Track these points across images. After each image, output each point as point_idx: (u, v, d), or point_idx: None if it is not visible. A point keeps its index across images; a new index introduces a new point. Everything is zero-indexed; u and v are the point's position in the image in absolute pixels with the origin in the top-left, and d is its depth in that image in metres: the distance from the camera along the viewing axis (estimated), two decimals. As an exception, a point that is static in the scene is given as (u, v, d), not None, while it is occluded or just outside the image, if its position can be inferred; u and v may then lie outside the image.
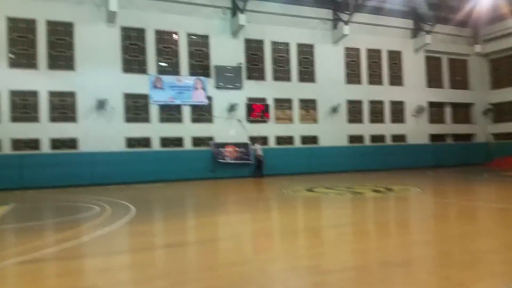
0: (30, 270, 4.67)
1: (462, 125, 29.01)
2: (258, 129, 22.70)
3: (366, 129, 25.64)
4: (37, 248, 5.61)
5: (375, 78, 26.19)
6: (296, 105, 23.91)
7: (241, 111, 22.36)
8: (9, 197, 13.63)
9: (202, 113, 21.86)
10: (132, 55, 20.75)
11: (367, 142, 25.58)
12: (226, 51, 22.26)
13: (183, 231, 7.29)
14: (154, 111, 20.88)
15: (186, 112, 21.53)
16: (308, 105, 24.30)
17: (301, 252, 5.35)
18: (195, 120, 21.70)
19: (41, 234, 7.00)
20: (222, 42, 22.26)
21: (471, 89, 29.32)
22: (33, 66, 18.99)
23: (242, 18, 21.69)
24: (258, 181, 19.30)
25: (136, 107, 20.69)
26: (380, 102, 26.20)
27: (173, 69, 21.51)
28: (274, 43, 23.65)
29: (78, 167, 18.84)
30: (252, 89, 22.76)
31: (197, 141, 21.60)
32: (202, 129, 21.66)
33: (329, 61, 24.72)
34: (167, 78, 21.08)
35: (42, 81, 18.97)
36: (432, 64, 28.23)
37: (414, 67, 27.27)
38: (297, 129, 23.79)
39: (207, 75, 21.94)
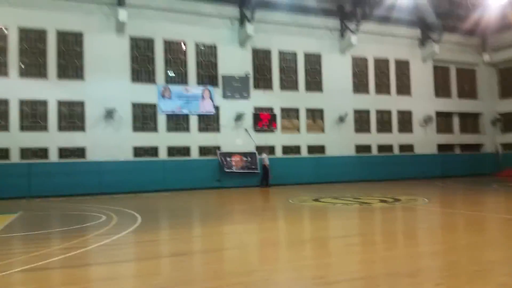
0: (36, 278, 4.68)
1: (471, 135, 28.80)
2: (265, 139, 22.70)
3: (374, 138, 25.53)
4: (44, 256, 5.63)
5: (382, 88, 26.15)
6: (303, 114, 23.91)
7: (248, 121, 22.40)
8: (17, 206, 13.72)
9: (209, 122, 21.93)
10: (141, 65, 20.94)
11: (375, 152, 25.46)
12: (234, 61, 22.39)
13: (189, 240, 7.28)
14: (161, 121, 20.99)
15: (194, 122, 21.61)
16: (315, 115, 24.29)
17: (307, 262, 5.31)
18: (202, 129, 21.77)
19: (48, 243, 7.03)
20: (230, 52, 22.40)
21: (480, 99, 29.14)
22: (42, 75, 19.22)
23: (249, 28, 21.83)
24: (265, 190, 19.25)
25: (144, 117, 20.82)
26: (388, 112, 26.12)
27: (181, 79, 21.65)
28: (282, 53, 23.74)
29: (86, 176, 18.93)
30: (259, 98, 22.82)
31: (204, 151, 21.64)
32: (209, 139, 21.71)
33: (336, 71, 24.73)
34: (175, 88, 21.22)
35: (51, 90, 19.18)
36: (440, 74, 28.14)
37: (421, 76, 27.19)
38: (304, 139, 23.76)
39: (214, 84, 22.06)
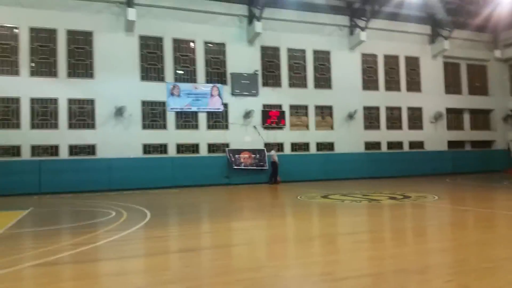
0: (47, 273, 4.74)
1: (481, 132, 28.49)
2: (274, 136, 22.70)
3: (383, 135, 25.39)
4: (54, 252, 5.70)
5: (392, 84, 25.97)
6: (312, 111, 23.85)
7: (257, 118, 22.41)
8: (28, 202, 13.89)
9: (218, 120, 21.98)
10: (150, 63, 21.04)
11: (384, 148, 25.32)
12: (242, 59, 22.39)
13: (198, 236, 7.31)
14: (171, 118, 21.08)
15: (202, 119, 21.67)
16: (324, 112, 24.22)
17: (315, 258, 5.31)
18: (211, 126, 21.83)
19: (58, 238, 7.11)
20: (239, 49, 22.40)
21: (491, 95, 28.79)
22: (53, 74, 19.40)
23: (258, 25, 21.80)
24: (274, 187, 19.26)
25: (153, 114, 20.93)
26: (398, 109, 25.95)
27: (190, 77, 21.71)
28: (290, 50, 23.68)
29: (96, 173, 19.09)
30: (268, 95, 22.80)
31: (213, 148, 21.70)
32: (218, 136, 21.77)
33: (346, 68, 24.62)
34: (184, 86, 21.29)
35: (62, 88, 19.35)
36: (451, 70, 27.86)
37: (432, 73, 26.95)
38: (313, 136, 23.70)
39: (223, 82, 22.09)
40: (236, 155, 21.56)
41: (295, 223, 8.75)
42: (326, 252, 5.74)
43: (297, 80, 23.77)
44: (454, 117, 27.78)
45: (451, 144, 27.21)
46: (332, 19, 24.37)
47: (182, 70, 21.69)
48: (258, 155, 21.87)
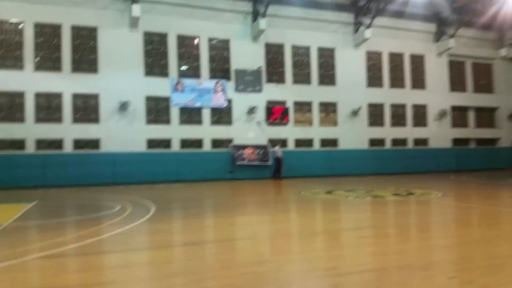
0: (52, 264, 4.77)
1: (486, 130, 28.39)
2: (278, 132, 22.70)
3: (388, 132, 25.35)
4: (60, 244, 5.73)
5: (397, 82, 25.90)
6: (316, 108, 23.82)
7: (261, 114, 22.41)
8: (33, 195, 13.96)
9: (222, 115, 22.00)
10: (154, 59, 21.06)
11: (388, 145, 25.29)
12: (247, 55, 22.37)
13: (202, 230, 7.34)
14: (174, 114, 21.12)
15: (206, 115, 21.69)
16: (328, 108, 24.18)
17: (319, 253, 5.31)
18: (215, 122, 21.85)
19: (64, 231, 7.16)
20: (243, 46, 22.38)
21: (496, 93, 28.67)
22: (57, 69, 19.47)
23: (262, 22, 21.77)
24: (277, 182, 19.27)
25: (157, 110, 20.97)
26: (402, 106, 25.89)
27: (194, 73, 21.72)
28: (295, 47, 23.64)
29: (100, 167, 19.19)
30: (272, 92, 22.80)
31: (217, 143, 21.73)
32: (221, 131, 21.79)
33: (350, 65, 24.56)
34: (187, 81, 21.30)
35: (66, 83, 19.43)
36: (456, 68, 27.74)
37: (437, 71, 26.85)
38: (317, 132, 23.69)
39: (227, 78, 22.09)
40: (240, 151, 21.59)
41: (299, 218, 8.76)
42: (330, 247, 5.75)
43: (301, 77, 23.74)
44: (458, 114, 27.69)
45: (455, 141, 27.13)
46: (337, 16, 24.31)
47: (186, 66, 21.70)
48: (261, 151, 21.89)
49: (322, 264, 4.74)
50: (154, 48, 21.15)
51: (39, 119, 19.10)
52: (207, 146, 21.56)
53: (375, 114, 25.20)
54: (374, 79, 25.31)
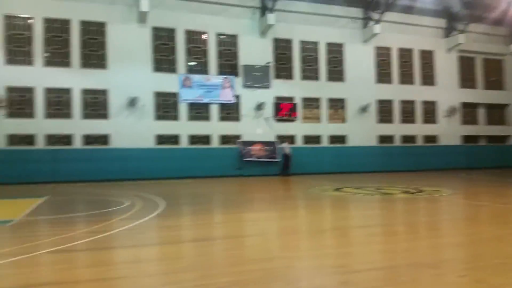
0: (63, 259, 4.82)
1: (497, 127, 28.08)
2: (286, 128, 22.66)
3: (397, 129, 25.20)
4: (70, 239, 5.79)
5: (406, 78, 25.71)
6: (324, 104, 23.74)
7: (269, 110, 22.38)
8: (43, 190, 14.09)
9: (230, 111, 22.00)
10: (163, 55, 21.10)
11: (398, 142, 25.14)
12: (255, 51, 22.33)
13: (211, 226, 7.36)
14: (183, 109, 21.17)
15: (214, 111, 21.71)
16: (337, 105, 24.08)
17: (328, 251, 5.31)
18: (223, 118, 21.86)
19: (74, 226, 7.22)
20: (251, 41, 22.34)
21: (507, 90, 28.33)
22: (67, 64, 19.59)
23: (271, 17, 21.70)
24: (285, 179, 19.26)
25: (165, 105, 21.03)
26: (412, 102, 25.70)
27: (202, 68, 21.74)
28: (303, 42, 23.54)
29: (109, 162, 19.32)
30: (280, 88, 22.75)
31: (225, 139, 21.76)
32: (229, 128, 21.81)
33: (359, 60, 24.42)
34: (196, 77, 21.33)
35: (75, 79, 19.54)
36: (465, 64, 27.45)
37: (446, 67, 26.60)
38: (325, 128, 23.62)
39: (235, 74, 22.07)
40: (248, 147, 21.59)
41: (307, 215, 8.75)
42: (339, 245, 5.74)
43: (310, 73, 23.65)
44: (468, 111, 27.41)
45: (465, 138, 26.89)
46: (346, 12, 24.15)
47: (194, 62, 21.72)
48: (269, 147, 21.88)
49: (331, 261, 4.74)
50: (163, 44, 21.19)
51: (48, 115, 19.25)
52: (215, 142, 21.60)
53: (384, 111, 25.04)
54: (383, 75, 25.14)
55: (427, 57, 26.27)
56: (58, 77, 19.34)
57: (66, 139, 19.41)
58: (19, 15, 19.17)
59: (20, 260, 4.69)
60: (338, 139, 23.85)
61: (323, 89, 23.65)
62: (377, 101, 24.74)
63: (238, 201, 11.59)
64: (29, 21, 19.26)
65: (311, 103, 23.56)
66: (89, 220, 7.89)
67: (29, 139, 18.91)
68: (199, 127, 21.39)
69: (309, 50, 23.72)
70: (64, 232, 6.33)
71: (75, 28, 19.78)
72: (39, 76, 19.06)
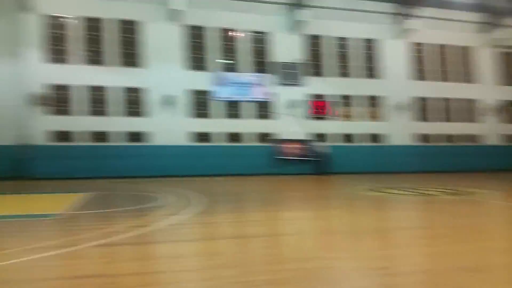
0: (106, 252, 4.95)
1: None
2: (320, 126, 22.45)
3: (434, 127, 24.47)
4: (113, 233, 5.94)
5: (443, 75, 24.91)
6: (359, 102, 23.35)
7: (303, 108, 22.23)
8: (83, 186, 14.55)
9: (263, 109, 22.01)
10: (196, 53, 21.38)
11: (437, 141, 24.40)
12: (288, 48, 22.24)
13: (248, 224, 7.37)
14: (216, 107, 21.35)
15: (247, 108, 21.78)
16: (372, 102, 23.62)
17: (368, 252, 5.19)
18: (256, 116, 21.91)
19: (116, 220, 7.40)
20: (284, 38, 22.25)
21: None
22: (104, 63, 20.17)
23: (303, 14, 21.54)
24: (321, 178, 19.07)
25: (199, 103, 21.30)
26: (450, 100, 24.86)
27: (235, 66, 21.85)
28: (337, 39, 23.24)
29: (145, 159, 19.77)
30: (314, 85, 22.56)
31: (258, 137, 21.81)
32: (263, 125, 21.83)
33: (394, 57, 23.87)
34: (229, 75, 21.47)
35: (112, 77, 20.10)
36: (506, 60, 26.27)
37: (486, 63, 25.60)
38: (360, 127, 23.24)
39: (268, 71, 22.05)
40: (282, 145, 21.52)
41: (345, 215, 8.61)
42: (379, 246, 5.60)
43: (344, 70, 23.32)
44: (511, 110, 26.24)
45: (509, 138, 25.73)
46: (380, 7, 23.62)
47: (228, 60, 21.86)
48: (304, 146, 21.72)
49: (371, 263, 4.63)
50: (196, 42, 21.46)
51: (88, 112, 19.89)
52: (248, 140, 21.67)
53: (422, 109, 24.36)
54: (420, 72, 24.45)
55: (465, 53, 25.38)
56: (96, 76, 19.97)
57: (104, 136, 20.00)
58: (59, 15, 19.89)
59: (65, 253, 4.85)
60: (373, 137, 23.40)
61: (357, 86, 23.27)
62: (414, 98, 24.08)
63: (274, 199, 11.56)
64: (68, 20, 19.98)
65: (345, 100, 23.21)
66: (130, 215, 8.08)
67: (67, 135, 19.61)
68: (232, 125, 21.52)
69: (343, 46, 23.38)
70: (107, 226, 6.51)
71: (112, 27, 20.36)
72: (79, 75, 19.72)
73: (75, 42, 20.00)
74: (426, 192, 12.21)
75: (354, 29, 23.39)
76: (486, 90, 25.46)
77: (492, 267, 4.44)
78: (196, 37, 21.58)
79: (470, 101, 25.30)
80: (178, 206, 9.00)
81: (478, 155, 24.43)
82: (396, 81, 23.78)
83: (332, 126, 22.86)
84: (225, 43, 22.05)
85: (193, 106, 21.28)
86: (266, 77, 22.00)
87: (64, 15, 19.98)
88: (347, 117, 23.33)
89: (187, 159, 20.37)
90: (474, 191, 12.36)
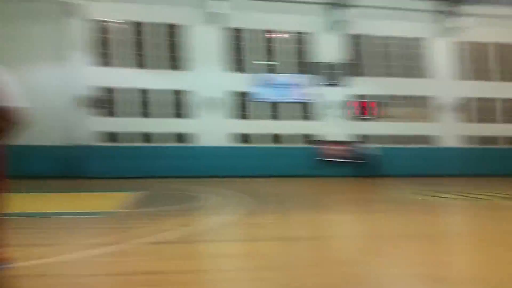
0: (154, 250, 5.07)
1: None
2: (364, 127, 21.98)
3: (486, 129, 23.32)
4: (160, 231, 6.09)
5: (494, 74, 23.69)
6: (404, 102, 22.66)
7: (346, 109, 21.85)
8: (131, 185, 14.99)
9: (304, 110, 21.84)
10: (238, 55, 21.55)
11: (490, 143, 23.24)
12: (329, 48, 21.97)
13: (292, 226, 7.32)
14: (258, 108, 21.42)
15: (289, 109, 21.68)
16: (418, 102, 22.86)
17: (416, 258, 5.01)
18: (297, 117, 21.77)
19: (164, 219, 7.55)
20: (325, 38, 22.01)
21: None
22: (149, 66, 20.77)
23: (344, 13, 21.19)
24: (366, 181, 18.65)
25: (241, 105, 21.44)
26: (500, 100, 23.62)
27: (276, 67, 21.83)
28: (380, 38, 22.72)
29: (188, 159, 20.12)
30: (357, 85, 22.11)
31: (300, 138, 21.64)
32: (304, 126, 21.66)
33: (441, 55, 22.99)
34: (270, 76, 21.46)
35: (158, 80, 20.66)
36: None
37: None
38: (406, 128, 22.53)
39: (310, 72, 21.84)
40: (324, 146, 21.25)
41: (393, 219, 8.36)
42: (431, 253, 5.38)
43: (388, 69, 22.71)
44: None
45: None
46: (426, 5, 22.81)
47: (269, 61, 21.87)
48: (347, 147, 21.34)
49: (420, 269, 4.45)
50: (237, 44, 21.62)
51: (131, 114, 20.54)
52: (289, 141, 21.57)
53: (474, 109, 23.32)
54: (466, 71, 23.40)
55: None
56: (140, 78, 20.56)
57: (147, 137, 20.59)
58: (104, 19, 20.63)
59: (113, 250, 5.02)
60: (420, 139, 22.63)
61: (402, 86, 22.58)
62: (463, 99, 23.08)
63: (318, 201, 11.43)
64: (113, 25, 20.69)
65: (389, 100, 22.60)
66: (176, 214, 8.24)
67: (115, 136, 20.34)
68: (272, 126, 21.51)
69: (387, 45, 22.79)
70: (154, 225, 6.68)
71: (156, 30, 20.90)
72: (123, 77, 20.41)
73: (121, 45, 20.73)
74: (477, 196, 11.66)
75: (397, 28, 22.73)
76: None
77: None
78: (237, 39, 21.78)
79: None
80: (222, 206, 9.10)
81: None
82: (443, 80, 22.90)
83: (376, 127, 22.33)
84: (266, 44, 22.10)
85: (234, 107, 21.48)
86: (308, 77, 21.84)
87: (110, 20, 20.74)
88: (391, 118, 22.72)
89: (229, 160, 20.55)
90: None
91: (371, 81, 22.42)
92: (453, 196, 11.68)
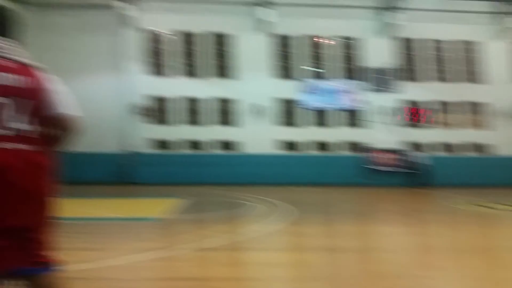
0: (200, 256, 5.14)
1: None
2: (416, 135, 21.20)
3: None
4: (206, 238, 6.16)
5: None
6: (459, 108, 21.64)
7: (396, 115, 21.17)
8: (180, 191, 15.26)
9: (354, 117, 21.42)
10: (284, 61, 21.54)
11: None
12: (379, 53, 21.41)
13: (340, 236, 7.18)
14: (304, 116, 21.26)
15: (338, 116, 21.36)
16: (475, 109, 21.76)
17: (470, 272, 4.73)
18: (345, 124, 21.37)
19: (210, 226, 7.63)
20: (375, 43, 21.47)
21: None
22: (199, 75, 21.23)
23: (395, 16, 20.64)
24: (417, 191, 17.95)
25: (287, 112, 21.38)
26: None
27: (324, 74, 21.59)
28: (432, 41, 21.89)
29: (235, 167, 20.20)
30: (408, 91, 21.38)
31: (348, 146, 21.21)
32: (353, 134, 21.22)
33: (497, 59, 21.70)
34: (317, 83, 21.25)
35: (207, 88, 21.05)
36: None
37: None
38: (461, 136, 21.47)
39: (358, 78, 21.40)
40: (373, 155, 20.70)
41: (446, 231, 7.97)
42: (482, 267, 5.08)
43: (441, 74, 21.83)
44: None
45: None
46: (480, 6, 21.55)
47: (316, 67, 21.67)
48: (398, 156, 20.65)
49: (474, 284, 4.20)
50: (283, 51, 21.62)
51: (180, 122, 21.02)
52: (338, 149, 21.19)
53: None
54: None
55: None
56: (190, 87, 21.04)
57: (197, 144, 20.97)
58: (157, 30, 21.31)
59: (161, 255, 5.13)
60: (480, 147, 21.49)
61: (456, 91, 21.55)
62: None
63: (367, 211, 11.13)
64: (165, 35, 21.34)
65: (443, 107, 21.66)
66: (223, 221, 8.31)
67: (165, 144, 20.90)
68: (320, 133, 21.25)
69: (439, 49, 21.91)
70: (201, 231, 6.77)
71: (205, 40, 21.34)
72: (174, 86, 20.95)
73: (172, 55, 21.35)
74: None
75: (450, 31, 21.76)
76: None
77: None
78: (284, 46, 21.78)
79: None
80: (268, 214, 9.06)
81: None
82: (499, 85, 21.66)
83: (429, 135, 21.45)
84: (313, 50, 21.93)
85: (281, 114, 21.43)
86: (357, 83, 21.41)
87: (162, 30, 21.43)
88: (445, 125, 21.78)
89: (275, 168, 20.44)
90: None
91: (423, 86, 21.62)
92: (510, 208, 10.98)
